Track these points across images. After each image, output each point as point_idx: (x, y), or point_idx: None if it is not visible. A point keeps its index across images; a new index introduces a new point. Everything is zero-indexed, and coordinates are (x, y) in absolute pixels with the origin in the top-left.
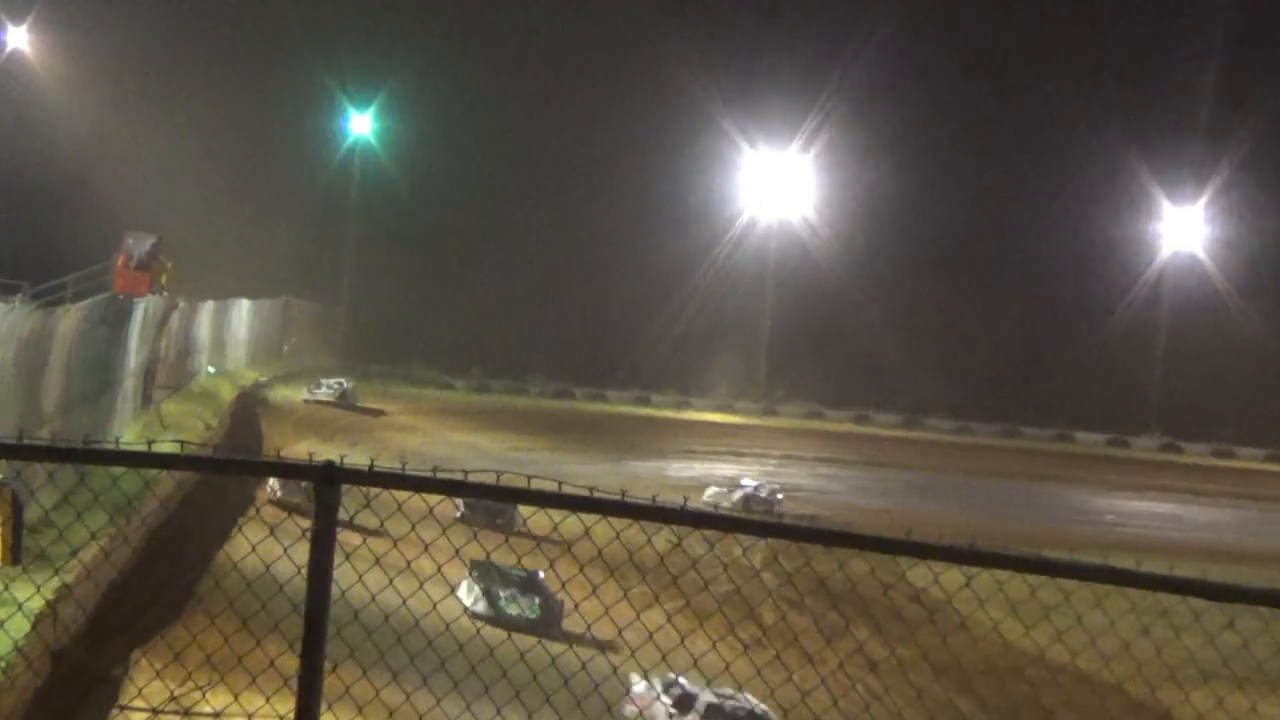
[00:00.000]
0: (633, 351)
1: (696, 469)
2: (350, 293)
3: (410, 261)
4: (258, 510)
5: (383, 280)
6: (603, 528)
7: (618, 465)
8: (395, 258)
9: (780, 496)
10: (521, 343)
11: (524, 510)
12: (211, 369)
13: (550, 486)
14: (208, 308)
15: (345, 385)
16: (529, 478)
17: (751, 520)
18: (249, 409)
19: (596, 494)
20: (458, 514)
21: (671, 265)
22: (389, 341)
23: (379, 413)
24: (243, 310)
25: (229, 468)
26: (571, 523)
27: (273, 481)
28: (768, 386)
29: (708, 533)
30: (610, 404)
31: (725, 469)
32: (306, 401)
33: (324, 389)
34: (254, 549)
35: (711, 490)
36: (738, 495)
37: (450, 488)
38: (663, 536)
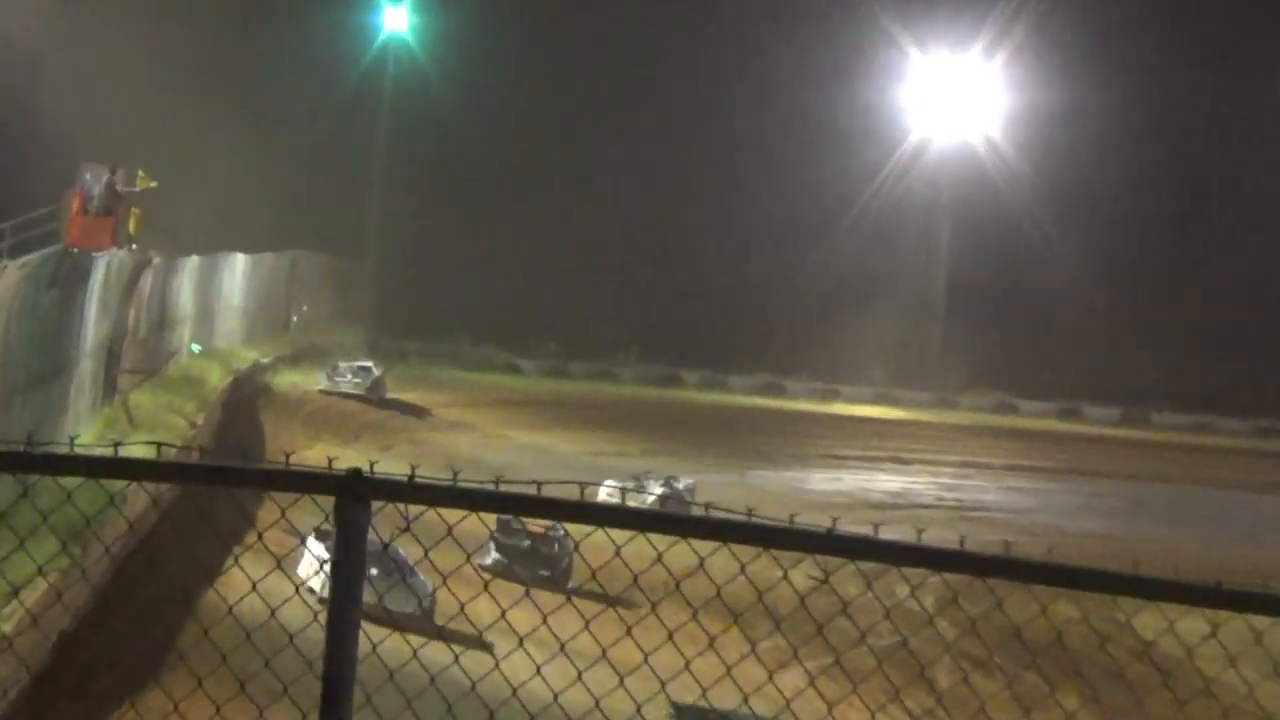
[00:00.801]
0: (762, 324)
1: (846, 481)
2: (380, 246)
3: (460, 204)
4: (259, 535)
5: (423, 229)
6: (722, 559)
7: (742, 476)
8: (440, 199)
9: (687, 488)
10: (612, 312)
11: (595, 547)
12: (196, 347)
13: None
14: (191, 266)
15: (373, 371)
16: (624, 490)
17: (925, 548)
18: (246, 401)
19: (713, 512)
20: (488, 560)
21: (814, 208)
22: (431, 310)
23: (419, 407)
24: (237, 268)
25: (220, 478)
26: (678, 553)
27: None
28: (942, 370)
29: (865, 565)
30: (731, 393)
31: (886, 481)
32: (323, 392)
33: (345, 375)
34: (254, 587)
35: (607, 486)
36: (650, 499)
37: (518, 505)
38: (802, 571)
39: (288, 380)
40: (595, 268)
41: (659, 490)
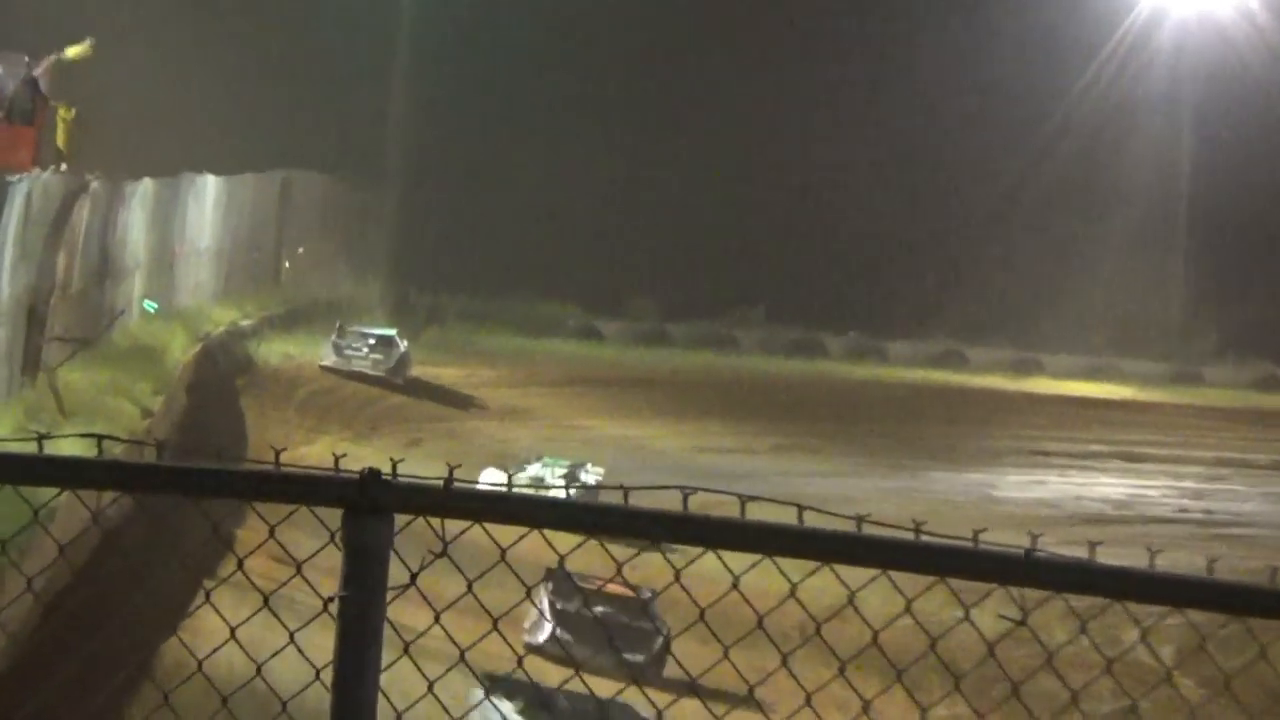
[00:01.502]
0: (933, 273)
1: (1053, 485)
2: (408, 165)
3: (513, 111)
4: (239, 563)
5: (464, 145)
6: (879, 594)
7: (911, 479)
8: (486, 103)
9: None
10: (728, 259)
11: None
12: (151, 305)
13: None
14: (143, 193)
15: (396, 342)
16: (743, 499)
17: (1160, 576)
18: (221, 380)
19: (865, 529)
20: (540, 637)
21: (1002, 115)
22: (479, 256)
23: (459, 388)
24: (207, 196)
25: (184, 484)
26: (815, 589)
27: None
28: (1185, 333)
29: (1077, 601)
30: (891, 365)
31: (1108, 485)
32: (326, 369)
33: (357, 347)
34: (233, 634)
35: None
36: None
37: (600, 520)
38: (990, 610)
39: (278, 351)
40: (705, 204)
41: (547, 474)
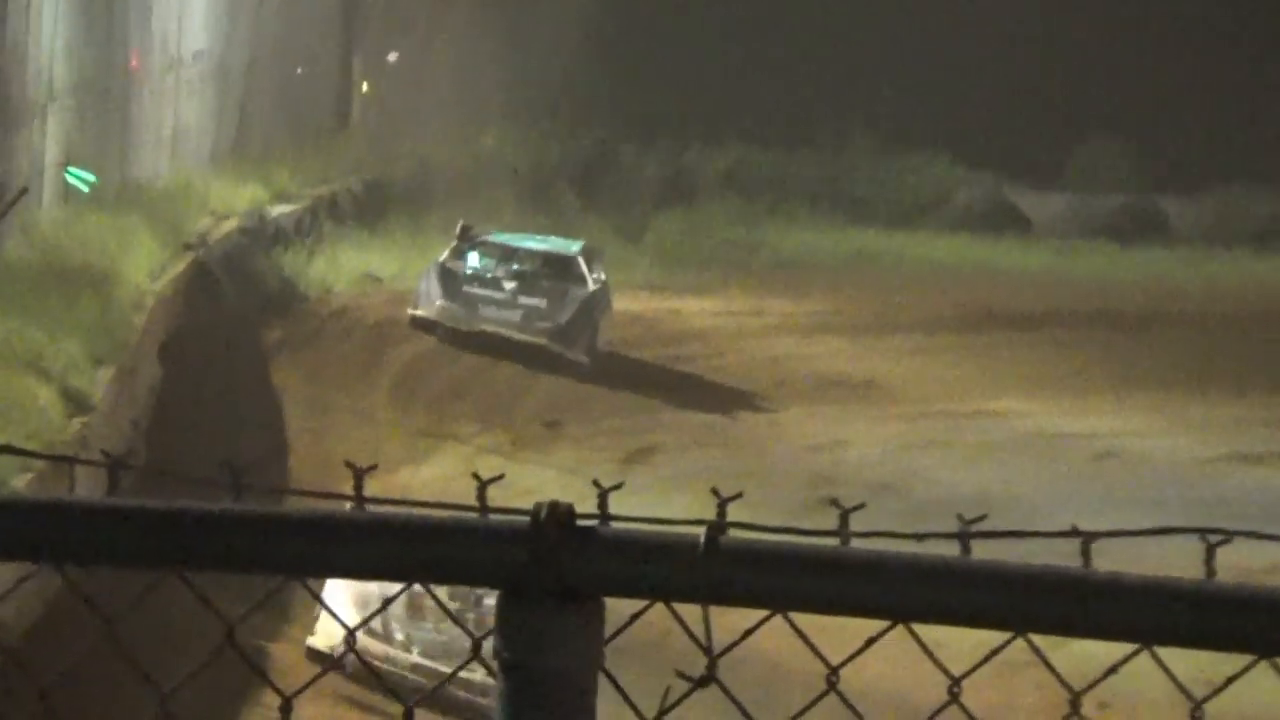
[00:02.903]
0: None
1: None
2: None
3: None
4: (285, 702)
5: None
6: None
7: None
8: None
9: None
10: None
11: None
12: (81, 175)
13: None
14: None
15: (577, 267)
16: None
17: None
18: (226, 330)
19: None
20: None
21: None
22: (755, 72)
23: (724, 335)
24: None
25: (163, 547)
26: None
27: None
28: None
29: None
30: None
31: None
32: (419, 322)
33: (490, 277)
34: None
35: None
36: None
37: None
38: None
39: (347, 270)
40: None
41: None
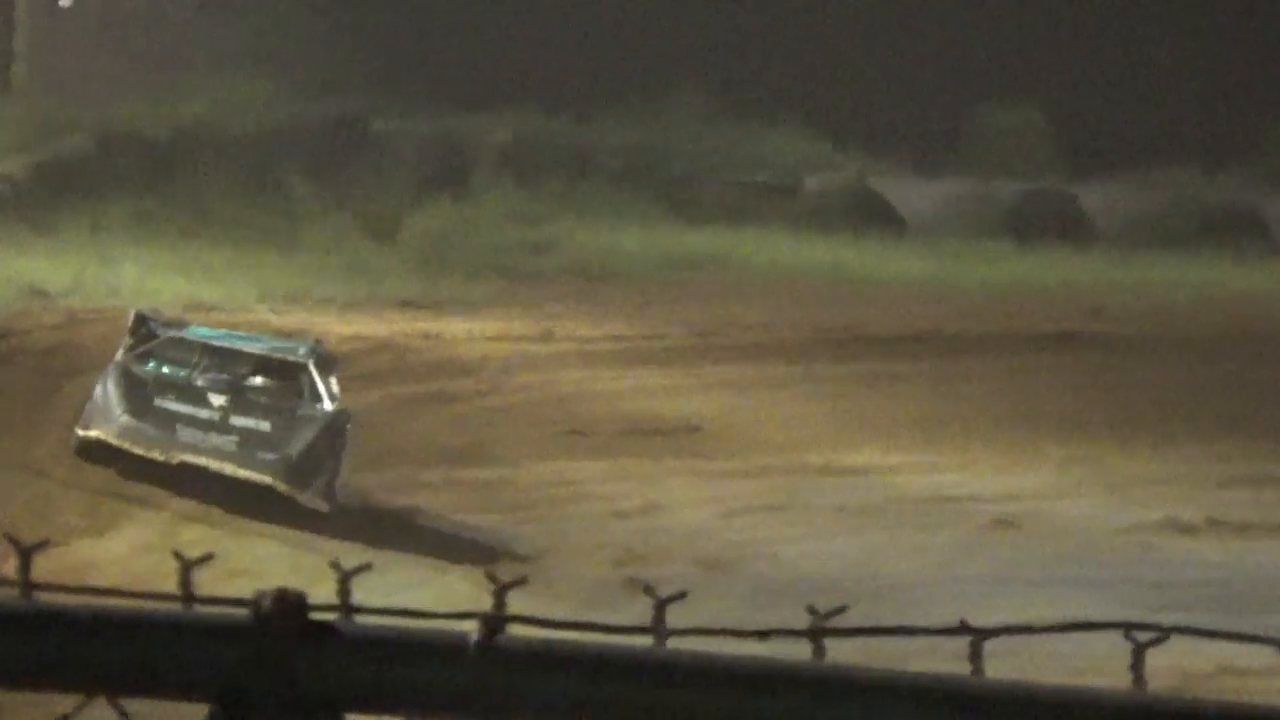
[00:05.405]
0: None
1: None
2: None
3: None
4: None
5: None
6: None
7: None
8: None
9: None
10: None
11: None
12: None
13: None
14: None
15: (304, 370)
16: None
17: None
18: None
19: None
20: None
21: None
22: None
23: (511, 368)
24: None
25: None
26: None
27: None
28: None
29: None
30: None
31: None
32: (86, 445)
33: (191, 394)
34: None
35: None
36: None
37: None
38: None
39: (1, 283)
40: None
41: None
